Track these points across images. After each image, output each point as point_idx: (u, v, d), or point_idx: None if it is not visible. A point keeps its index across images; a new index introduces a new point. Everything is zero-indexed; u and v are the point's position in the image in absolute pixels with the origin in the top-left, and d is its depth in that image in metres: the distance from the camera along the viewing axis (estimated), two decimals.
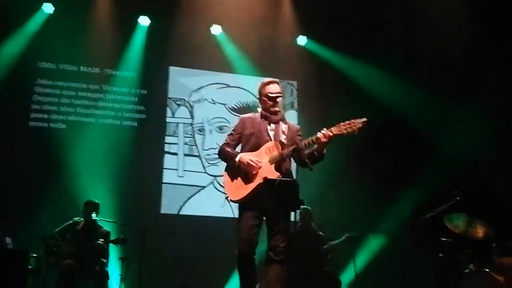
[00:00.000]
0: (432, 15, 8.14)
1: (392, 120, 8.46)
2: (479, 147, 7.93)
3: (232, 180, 4.39)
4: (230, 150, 4.45)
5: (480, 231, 6.05)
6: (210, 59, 8.72)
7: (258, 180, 4.23)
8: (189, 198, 8.38)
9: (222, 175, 4.54)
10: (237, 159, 4.32)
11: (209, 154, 8.49)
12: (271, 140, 4.35)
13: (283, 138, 4.33)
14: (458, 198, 5.87)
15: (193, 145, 8.61)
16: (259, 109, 4.56)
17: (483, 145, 7.93)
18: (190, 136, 8.62)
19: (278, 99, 4.42)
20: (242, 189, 4.30)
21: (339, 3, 8.48)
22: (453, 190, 5.92)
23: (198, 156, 8.60)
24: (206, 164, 8.55)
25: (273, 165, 4.22)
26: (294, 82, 9.20)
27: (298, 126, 4.63)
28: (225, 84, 8.92)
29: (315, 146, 4.18)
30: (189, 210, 8.32)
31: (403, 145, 8.59)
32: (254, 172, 4.25)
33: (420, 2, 8.22)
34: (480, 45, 8.14)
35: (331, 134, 4.05)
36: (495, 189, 7.49)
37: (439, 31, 8.18)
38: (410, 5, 8.24)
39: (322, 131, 4.09)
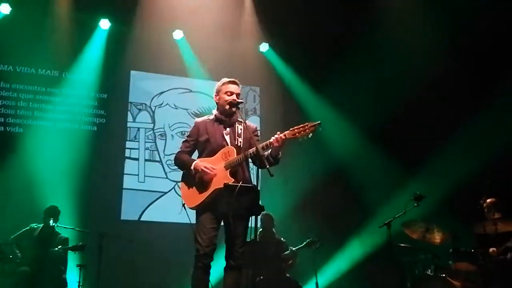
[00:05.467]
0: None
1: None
2: None
3: (188, 188, 4.38)
4: (185, 158, 4.42)
5: (437, 237, 6.18)
6: (172, 63, 8.67)
7: (213, 187, 4.21)
8: (150, 204, 8.28)
9: None
10: (192, 166, 4.30)
11: (170, 160, 8.39)
12: (227, 145, 4.33)
13: (239, 141, 4.32)
14: (416, 204, 5.97)
15: (154, 150, 8.52)
16: (214, 111, 4.51)
17: None
18: (151, 141, 8.54)
19: (238, 100, 4.36)
20: (197, 196, 4.29)
21: (301, 11, 8.54)
22: None
23: (160, 162, 8.52)
24: (167, 170, 8.48)
25: (228, 171, 4.20)
26: (257, 88, 9.23)
27: (255, 126, 4.61)
28: (187, 89, 8.87)
29: (270, 150, 4.19)
30: (150, 216, 8.22)
31: None
32: (209, 179, 4.23)
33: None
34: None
35: (283, 137, 4.08)
36: None
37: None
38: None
39: (275, 135, 4.11)
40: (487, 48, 7.78)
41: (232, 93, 4.39)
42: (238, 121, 4.42)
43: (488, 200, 6.19)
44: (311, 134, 4.01)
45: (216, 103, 4.50)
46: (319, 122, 4.02)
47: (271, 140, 4.11)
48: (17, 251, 6.23)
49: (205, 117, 4.55)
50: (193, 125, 4.54)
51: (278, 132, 4.11)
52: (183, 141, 4.55)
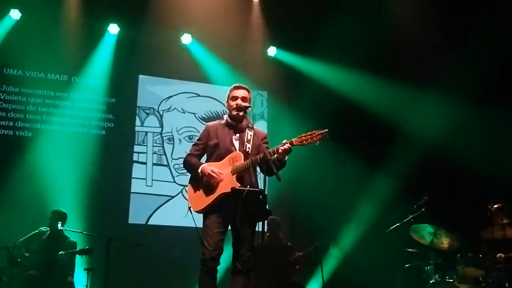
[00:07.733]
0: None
1: (361, 123, 8.61)
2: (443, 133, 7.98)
3: (194, 191, 4.41)
4: (193, 161, 4.44)
5: (445, 242, 6.16)
6: (180, 68, 8.72)
7: (219, 191, 4.23)
8: (157, 208, 8.31)
9: None
10: (199, 170, 4.33)
11: (178, 164, 8.45)
12: (235, 150, 4.35)
13: (247, 147, 4.34)
14: (423, 209, 5.97)
15: (162, 154, 8.55)
16: (225, 116, 4.55)
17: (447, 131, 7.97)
18: (159, 145, 8.57)
19: (243, 104, 4.38)
20: (203, 200, 4.31)
21: (308, 14, 8.56)
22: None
23: (167, 166, 8.55)
24: (175, 174, 8.50)
25: (234, 176, 4.22)
26: (265, 93, 9.25)
27: (265, 133, 4.62)
28: (195, 94, 8.91)
29: (276, 155, 4.20)
30: (157, 220, 8.25)
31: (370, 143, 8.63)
32: (215, 183, 4.25)
33: None
34: (440, 31, 8.23)
35: (290, 146, 4.10)
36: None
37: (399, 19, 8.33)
38: None
39: (283, 142, 4.12)
40: None
41: (236, 98, 4.42)
42: (249, 127, 4.44)
43: (496, 206, 6.16)
44: (318, 142, 4.02)
45: (227, 108, 4.54)
46: (326, 130, 4.03)
47: (278, 147, 4.13)
48: (26, 254, 6.25)
49: (217, 122, 4.58)
50: (204, 128, 4.57)
51: (285, 141, 4.13)
52: (193, 144, 4.58)
